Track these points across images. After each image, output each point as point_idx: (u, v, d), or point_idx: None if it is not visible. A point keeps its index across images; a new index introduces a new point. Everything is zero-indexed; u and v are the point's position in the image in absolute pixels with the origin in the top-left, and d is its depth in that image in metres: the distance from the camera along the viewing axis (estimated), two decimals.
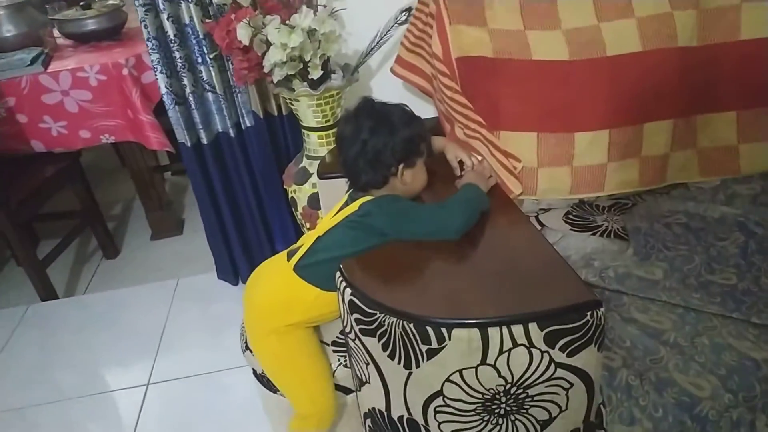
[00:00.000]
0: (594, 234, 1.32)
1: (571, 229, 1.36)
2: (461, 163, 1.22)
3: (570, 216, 1.40)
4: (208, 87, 1.70)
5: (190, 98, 1.68)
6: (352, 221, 1.08)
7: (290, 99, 1.54)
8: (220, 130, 1.78)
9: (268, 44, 1.34)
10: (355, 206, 1.09)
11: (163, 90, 1.67)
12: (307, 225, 1.68)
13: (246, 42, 1.33)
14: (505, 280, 0.94)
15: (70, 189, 2.23)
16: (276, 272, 1.17)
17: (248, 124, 1.76)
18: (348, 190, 1.17)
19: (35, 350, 1.88)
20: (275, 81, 1.44)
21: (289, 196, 1.69)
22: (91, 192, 2.34)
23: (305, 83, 1.46)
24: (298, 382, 1.14)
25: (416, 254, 1.01)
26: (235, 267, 2.00)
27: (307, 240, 1.16)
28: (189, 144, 1.74)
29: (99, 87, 2.02)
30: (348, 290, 0.95)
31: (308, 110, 1.53)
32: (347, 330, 0.98)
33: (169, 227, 2.48)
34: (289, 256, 1.16)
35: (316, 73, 1.40)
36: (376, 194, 1.10)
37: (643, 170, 1.40)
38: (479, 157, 1.24)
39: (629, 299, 1.12)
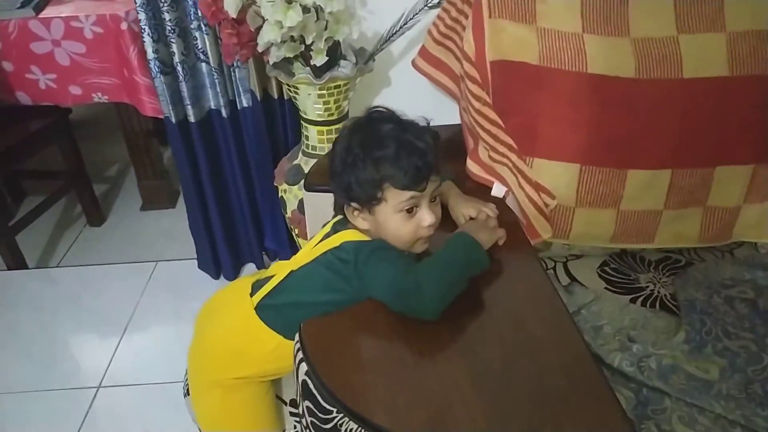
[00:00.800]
0: (635, 300, 1.06)
1: (606, 287, 1.10)
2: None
3: (607, 269, 1.15)
4: (202, 56, 1.46)
5: (179, 68, 1.45)
6: (330, 262, 0.86)
7: (288, 85, 1.29)
8: (212, 107, 1.54)
9: (264, 19, 1.09)
10: (336, 241, 0.87)
11: (150, 56, 1.44)
12: (296, 230, 1.45)
13: (234, 14, 1.08)
14: (511, 385, 0.69)
15: (56, 147, 2.03)
16: (234, 308, 0.94)
17: (244, 105, 1.53)
18: (334, 216, 0.94)
19: None
20: (271, 63, 1.20)
21: (279, 195, 1.45)
22: (79, 152, 2.13)
23: (308, 68, 1.20)
24: None
25: (402, 327, 0.77)
26: (217, 260, 1.79)
27: (279, 271, 0.93)
28: (174, 120, 1.52)
29: (94, 40, 1.81)
30: (303, 366, 0.72)
31: (308, 100, 1.28)
32: (300, 412, 0.76)
33: (161, 198, 2.28)
34: (255, 289, 0.93)
35: (319, 59, 1.15)
36: (361, 226, 0.87)
37: (707, 223, 1.13)
38: (491, 212, 0.95)
39: (673, 404, 0.86)
